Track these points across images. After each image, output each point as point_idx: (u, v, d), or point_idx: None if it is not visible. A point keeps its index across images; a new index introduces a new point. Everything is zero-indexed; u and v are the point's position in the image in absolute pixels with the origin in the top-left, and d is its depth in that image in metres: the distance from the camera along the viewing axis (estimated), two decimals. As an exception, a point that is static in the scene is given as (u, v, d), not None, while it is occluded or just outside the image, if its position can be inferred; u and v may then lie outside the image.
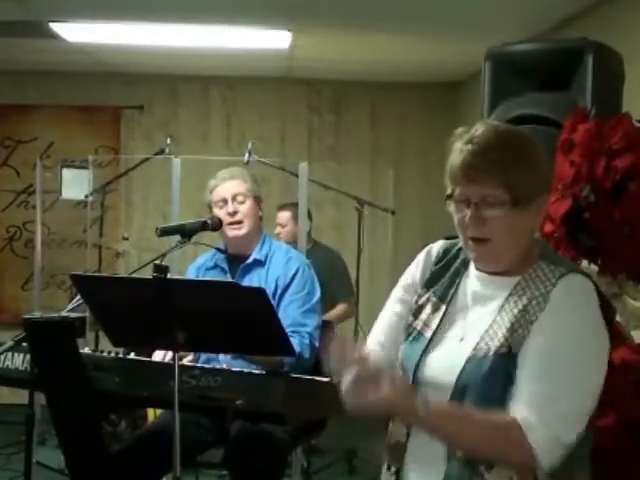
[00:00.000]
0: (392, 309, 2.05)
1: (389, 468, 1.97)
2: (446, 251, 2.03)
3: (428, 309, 1.97)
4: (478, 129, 1.87)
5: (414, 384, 1.89)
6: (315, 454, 5.24)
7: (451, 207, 1.89)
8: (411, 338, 1.96)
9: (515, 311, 1.83)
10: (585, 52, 2.72)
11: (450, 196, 1.88)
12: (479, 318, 1.88)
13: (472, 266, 1.95)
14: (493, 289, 1.89)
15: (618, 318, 2.48)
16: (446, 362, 1.87)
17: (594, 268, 2.49)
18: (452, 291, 1.96)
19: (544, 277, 1.84)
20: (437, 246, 2.06)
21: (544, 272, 1.85)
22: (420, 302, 1.99)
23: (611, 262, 2.45)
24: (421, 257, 2.05)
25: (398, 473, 1.94)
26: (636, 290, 2.45)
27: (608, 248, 2.41)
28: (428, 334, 1.93)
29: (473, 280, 1.94)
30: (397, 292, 2.06)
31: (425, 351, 1.91)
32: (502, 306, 1.86)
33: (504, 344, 1.80)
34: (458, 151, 1.86)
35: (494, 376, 1.79)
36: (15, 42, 5.92)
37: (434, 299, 1.97)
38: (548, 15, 4.66)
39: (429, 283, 2.00)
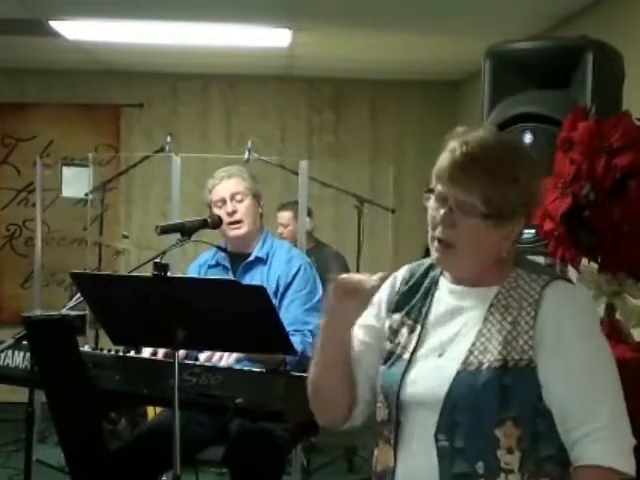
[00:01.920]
0: (356, 337, 2.00)
1: None
2: (412, 273, 1.99)
3: (404, 332, 1.93)
4: (477, 134, 1.85)
5: (398, 407, 1.87)
6: (315, 452, 5.23)
7: (429, 202, 1.87)
8: (390, 362, 1.92)
9: (505, 324, 1.80)
10: (585, 50, 2.72)
11: (431, 190, 1.86)
12: (458, 331, 1.86)
13: (443, 281, 1.93)
14: (470, 301, 1.87)
15: (618, 316, 2.49)
16: (429, 378, 1.84)
17: (594, 266, 2.49)
18: (425, 310, 1.92)
19: (527, 286, 1.82)
20: (402, 271, 2.02)
21: (525, 281, 1.83)
22: (394, 326, 1.95)
23: (611, 260, 2.45)
24: (386, 283, 1.97)
25: None
26: (636, 288, 2.45)
27: (608, 246, 2.41)
28: (406, 356, 1.89)
29: (445, 294, 1.91)
30: (361, 319, 1.98)
31: (405, 372, 1.88)
32: (486, 318, 1.83)
33: (498, 358, 1.78)
34: (451, 150, 1.84)
35: (489, 390, 1.77)
36: (15, 40, 5.92)
37: (409, 322, 1.93)
38: (548, 13, 4.66)
39: (398, 306, 1.96)
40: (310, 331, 3.40)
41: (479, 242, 1.82)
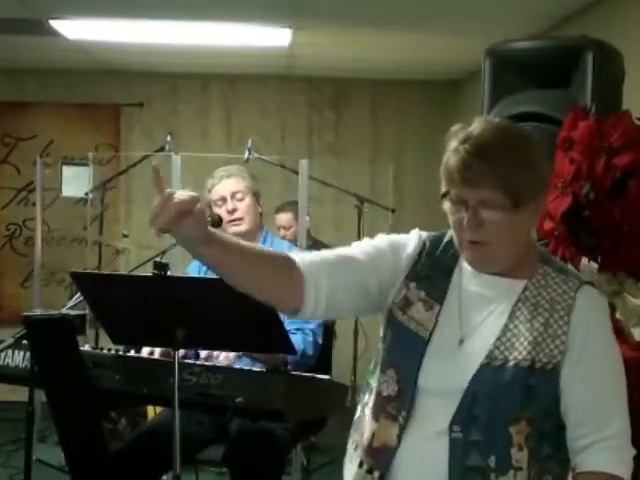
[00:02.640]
0: (370, 245, 1.93)
1: (370, 471, 1.89)
2: (435, 246, 1.93)
3: (420, 307, 1.87)
4: (475, 127, 1.80)
5: (415, 391, 1.84)
6: (315, 451, 5.23)
7: (446, 206, 1.83)
8: (405, 338, 1.88)
9: (536, 324, 1.79)
10: (585, 50, 2.72)
11: (445, 194, 1.82)
12: (482, 321, 1.83)
13: (465, 263, 1.89)
14: (496, 291, 1.84)
15: (618, 315, 2.49)
16: (449, 367, 1.82)
17: (594, 266, 2.49)
18: (446, 289, 1.88)
19: (558, 288, 1.83)
20: (424, 237, 1.96)
21: (555, 281, 1.83)
22: (408, 296, 1.89)
23: (611, 260, 2.45)
24: (414, 240, 1.94)
25: (382, 478, 1.87)
26: (636, 287, 2.45)
27: (608, 246, 2.41)
28: (424, 335, 1.85)
29: (470, 279, 1.87)
30: (381, 240, 1.94)
31: (423, 356, 1.84)
32: (512, 313, 1.81)
33: (527, 357, 1.77)
34: (454, 150, 1.79)
35: (512, 388, 1.77)
36: (15, 40, 5.91)
37: (425, 297, 1.88)
38: (548, 13, 4.66)
39: (418, 277, 1.90)
40: (311, 330, 3.40)
41: (511, 232, 1.79)
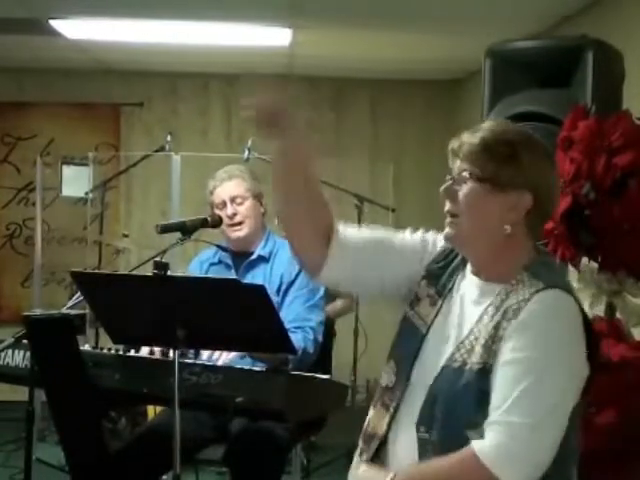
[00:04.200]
0: (411, 236, 2.05)
1: (360, 453, 1.95)
2: (448, 251, 2.00)
3: (426, 302, 1.95)
4: (485, 124, 1.92)
5: (407, 383, 1.88)
6: (315, 451, 5.24)
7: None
8: (407, 332, 1.94)
9: (489, 327, 1.79)
10: (585, 49, 2.72)
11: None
12: (462, 322, 1.87)
13: (468, 267, 1.94)
14: (479, 294, 1.88)
15: (618, 315, 2.49)
16: (430, 364, 1.86)
17: (594, 266, 2.49)
18: (449, 287, 1.94)
19: (522, 292, 1.79)
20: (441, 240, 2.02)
21: (523, 285, 1.80)
22: (418, 293, 1.96)
23: (611, 259, 2.45)
24: (439, 241, 2.01)
25: (370, 462, 1.91)
26: (636, 287, 2.45)
27: (608, 245, 2.41)
28: (423, 329, 1.91)
29: (466, 282, 1.93)
30: (421, 235, 2.05)
31: (419, 349, 1.90)
32: (480, 316, 1.83)
33: (479, 361, 1.77)
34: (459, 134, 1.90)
35: (467, 391, 1.77)
36: (15, 39, 5.91)
37: (432, 292, 1.95)
38: (548, 12, 4.66)
39: (430, 277, 1.97)
40: (311, 328, 3.41)
41: (479, 208, 1.83)
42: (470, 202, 1.84)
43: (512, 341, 1.75)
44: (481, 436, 1.73)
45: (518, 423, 1.69)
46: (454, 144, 1.88)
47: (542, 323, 1.75)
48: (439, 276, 1.97)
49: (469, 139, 1.85)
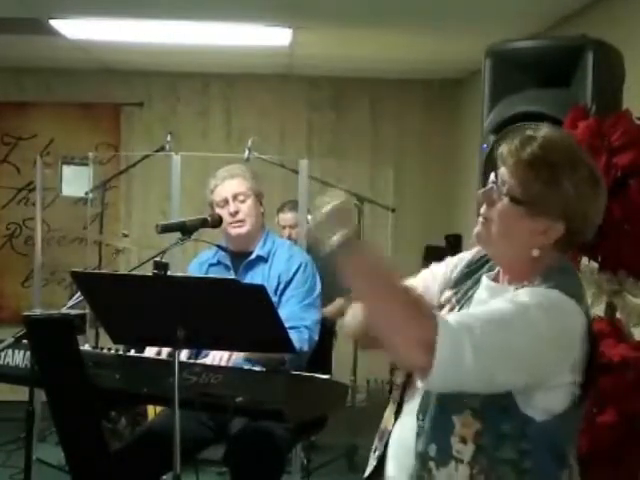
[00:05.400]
0: (427, 271, 2.09)
1: (374, 451, 2.00)
2: (476, 258, 2.04)
3: (447, 308, 1.97)
4: (544, 131, 1.88)
5: (410, 379, 1.92)
6: (315, 451, 5.23)
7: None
8: None
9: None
10: (585, 49, 2.72)
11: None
12: None
13: (485, 275, 1.97)
14: (488, 296, 1.90)
15: (618, 315, 2.49)
16: None
17: (594, 265, 2.49)
18: (469, 294, 1.97)
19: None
20: (472, 251, 2.06)
21: (533, 286, 1.81)
22: (442, 302, 2.00)
23: (611, 259, 2.45)
24: (455, 259, 2.07)
25: (381, 458, 1.96)
26: (636, 287, 2.45)
27: (608, 245, 2.41)
28: None
29: (483, 288, 1.95)
30: (432, 268, 2.09)
31: None
32: None
33: None
34: (515, 138, 1.87)
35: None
36: (15, 39, 5.92)
37: (454, 300, 1.98)
38: (548, 12, 4.66)
39: (454, 284, 2.02)
40: (306, 327, 3.42)
41: (510, 226, 1.84)
42: (502, 218, 1.85)
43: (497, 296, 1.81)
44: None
45: (475, 329, 1.66)
46: (503, 149, 1.86)
47: (530, 296, 1.75)
48: (463, 281, 2.01)
49: (518, 150, 1.83)
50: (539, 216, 1.82)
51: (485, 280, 1.96)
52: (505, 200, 1.83)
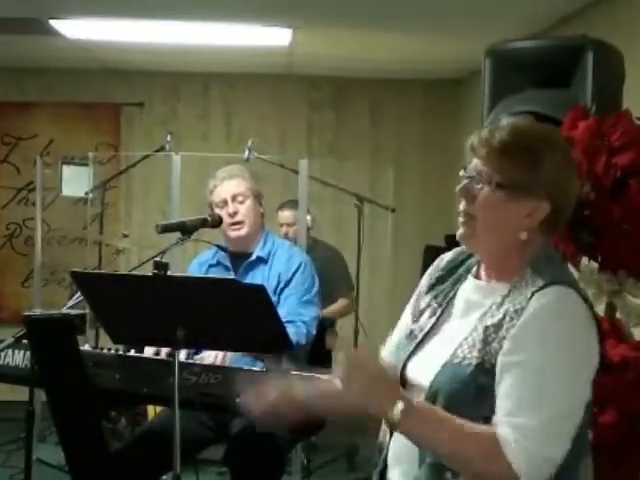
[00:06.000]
0: (404, 319, 2.05)
1: (375, 466, 1.98)
2: (454, 257, 2.02)
3: (427, 313, 1.96)
4: (511, 120, 1.92)
5: (401, 385, 1.88)
6: (315, 451, 5.24)
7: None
8: (404, 340, 1.97)
9: (491, 325, 1.79)
10: (585, 49, 2.72)
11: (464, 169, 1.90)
12: (465, 324, 1.86)
13: (471, 273, 1.95)
14: (481, 296, 1.88)
15: (618, 315, 2.49)
16: (427, 365, 1.86)
17: (594, 265, 2.49)
18: (450, 295, 1.95)
19: (524, 290, 1.80)
20: (449, 254, 2.04)
21: (526, 283, 1.80)
22: (422, 307, 1.99)
23: (611, 259, 2.45)
24: (432, 266, 2.05)
25: (382, 473, 1.94)
26: (636, 287, 2.45)
27: (608, 245, 2.41)
28: (420, 336, 1.93)
29: (468, 286, 1.93)
30: (410, 303, 2.07)
31: (412, 353, 1.92)
32: (484, 314, 1.83)
33: (477, 356, 1.78)
34: (483, 129, 1.87)
35: (466, 386, 1.77)
36: (15, 39, 5.91)
37: (434, 304, 1.97)
38: (548, 12, 4.66)
39: (432, 287, 2.00)
40: (304, 322, 3.44)
41: (496, 214, 1.82)
42: (486, 208, 1.83)
43: (514, 343, 1.75)
44: None
45: (527, 424, 1.68)
46: (473, 141, 1.85)
47: (543, 324, 1.74)
48: (441, 283, 1.99)
49: (489, 139, 1.82)
50: (525, 198, 1.81)
51: (472, 280, 1.93)
52: (486, 189, 1.81)
